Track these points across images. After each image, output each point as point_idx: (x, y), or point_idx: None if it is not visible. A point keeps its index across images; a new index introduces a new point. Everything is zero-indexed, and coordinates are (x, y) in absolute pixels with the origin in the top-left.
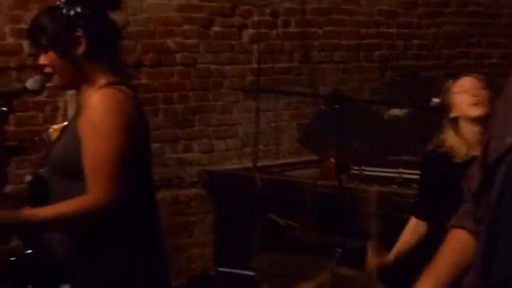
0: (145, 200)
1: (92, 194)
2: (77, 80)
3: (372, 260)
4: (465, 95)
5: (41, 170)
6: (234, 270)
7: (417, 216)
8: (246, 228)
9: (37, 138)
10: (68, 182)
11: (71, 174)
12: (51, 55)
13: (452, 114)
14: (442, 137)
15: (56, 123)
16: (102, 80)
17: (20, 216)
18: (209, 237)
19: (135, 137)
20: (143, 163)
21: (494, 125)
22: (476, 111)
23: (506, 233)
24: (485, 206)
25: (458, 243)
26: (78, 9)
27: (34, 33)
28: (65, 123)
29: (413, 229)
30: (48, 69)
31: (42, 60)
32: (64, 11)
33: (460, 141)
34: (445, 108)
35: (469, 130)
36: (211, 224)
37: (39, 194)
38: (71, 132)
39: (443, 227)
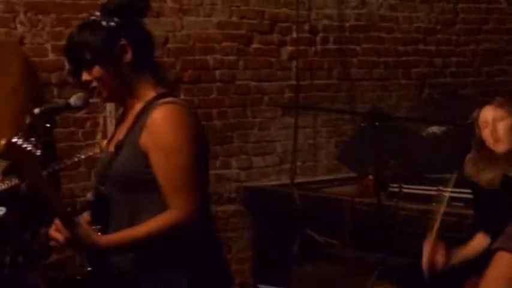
0: (208, 214)
1: (177, 209)
2: (123, 93)
3: (430, 257)
4: (487, 130)
5: (102, 188)
6: (273, 287)
7: (483, 231)
8: (284, 244)
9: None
10: (129, 196)
11: (134, 188)
12: (97, 69)
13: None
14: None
15: (96, 139)
16: (151, 92)
17: (108, 239)
18: (248, 254)
19: (200, 148)
20: (207, 175)
21: None
22: (498, 148)
23: None
24: None
25: (502, 267)
26: (117, 20)
27: (75, 50)
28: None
29: (477, 240)
30: (93, 84)
31: (86, 76)
32: (104, 23)
33: (490, 168)
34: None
35: (501, 158)
36: (249, 240)
37: (102, 211)
38: (131, 147)
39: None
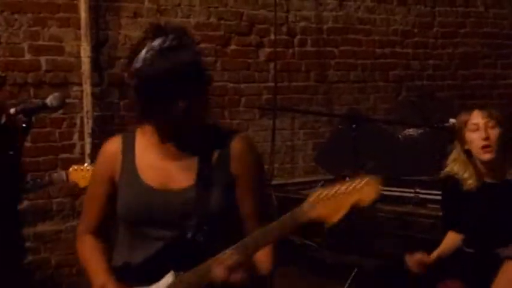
0: None
1: None
2: None
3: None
4: (477, 135)
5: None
6: None
7: (452, 230)
8: None
9: (45, 178)
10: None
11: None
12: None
13: (466, 147)
14: (454, 166)
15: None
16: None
17: None
18: None
19: None
20: None
21: None
22: (485, 156)
23: None
24: None
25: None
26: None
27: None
28: (88, 167)
29: (451, 239)
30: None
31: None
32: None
33: (470, 172)
34: (458, 137)
35: (480, 164)
36: None
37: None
38: (221, 182)
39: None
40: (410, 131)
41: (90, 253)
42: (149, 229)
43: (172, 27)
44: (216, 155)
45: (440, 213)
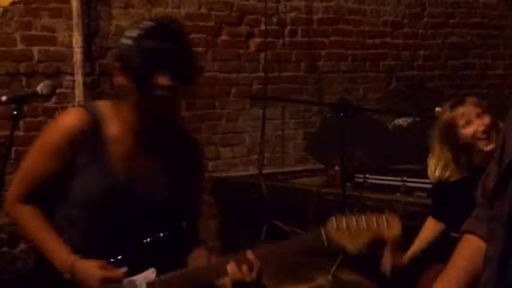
0: None
1: None
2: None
3: (388, 260)
4: (473, 128)
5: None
6: None
7: (434, 217)
8: (251, 234)
9: None
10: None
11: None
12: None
13: (462, 141)
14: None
15: None
16: None
17: None
18: (215, 244)
19: None
20: None
21: (510, 124)
22: (488, 147)
23: None
24: (500, 204)
25: (469, 249)
26: None
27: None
28: None
29: (431, 227)
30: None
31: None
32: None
33: (452, 170)
34: (444, 136)
35: (480, 154)
36: (216, 230)
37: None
38: (186, 179)
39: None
40: (400, 121)
41: (38, 223)
42: (114, 220)
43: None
44: (183, 153)
45: (426, 201)
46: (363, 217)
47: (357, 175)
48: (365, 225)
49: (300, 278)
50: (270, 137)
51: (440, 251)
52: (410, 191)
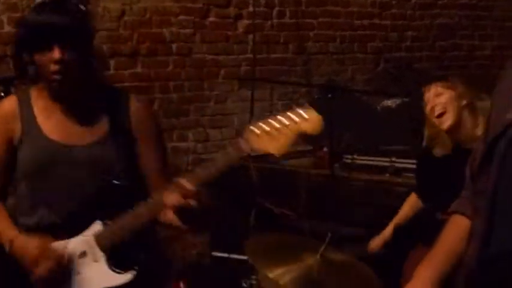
0: None
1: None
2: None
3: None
4: (429, 109)
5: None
6: (228, 255)
7: (418, 195)
8: (240, 216)
9: None
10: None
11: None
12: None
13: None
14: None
15: None
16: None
17: None
18: None
19: None
20: None
21: (496, 101)
22: (443, 124)
23: (506, 208)
24: (485, 180)
25: (458, 230)
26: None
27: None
28: None
29: (413, 203)
30: (60, 66)
31: (58, 54)
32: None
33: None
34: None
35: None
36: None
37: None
38: (122, 138)
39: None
40: (389, 102)
41: None
42: (55, 183)
43: None
44: (114, 113)
45: (414, 182)
46: (278, 117)
47: (346, 156)
48: (283, 125)
49: (289, 258)
50: (258, 119)
51: (426, 233)
52: (398, 171)
